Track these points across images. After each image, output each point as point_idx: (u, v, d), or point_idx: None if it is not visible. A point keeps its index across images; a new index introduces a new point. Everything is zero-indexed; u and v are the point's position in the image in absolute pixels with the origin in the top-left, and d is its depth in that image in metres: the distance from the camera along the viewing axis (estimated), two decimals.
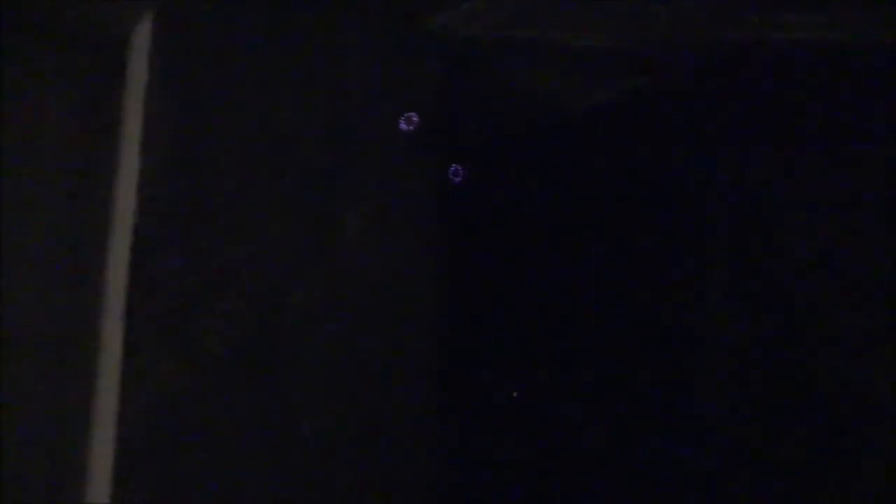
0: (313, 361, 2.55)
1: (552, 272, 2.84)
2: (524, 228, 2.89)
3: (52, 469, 2.37)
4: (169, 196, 2.42)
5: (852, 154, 2.80)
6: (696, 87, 2.91)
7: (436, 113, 2.87)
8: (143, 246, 2.37)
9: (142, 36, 2.49)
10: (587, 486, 2.62)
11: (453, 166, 2.93)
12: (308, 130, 2.67)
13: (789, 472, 2.61)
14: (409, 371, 2.65)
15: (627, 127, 2.96)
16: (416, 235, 2.75)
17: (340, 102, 2.74)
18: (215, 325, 2.43)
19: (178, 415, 2.34)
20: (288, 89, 2.66)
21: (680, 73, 2.89)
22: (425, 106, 2.86)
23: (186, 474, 2.34)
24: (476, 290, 2.73)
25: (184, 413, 2.35)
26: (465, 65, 2.96)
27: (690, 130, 2.90)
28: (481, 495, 2.59)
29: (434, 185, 2.84)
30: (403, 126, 2.82)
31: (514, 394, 2.67)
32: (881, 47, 2.60)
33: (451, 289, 2.70)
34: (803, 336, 2.70)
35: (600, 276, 2.87)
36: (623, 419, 2.68)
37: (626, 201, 2.91)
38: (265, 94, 2.61)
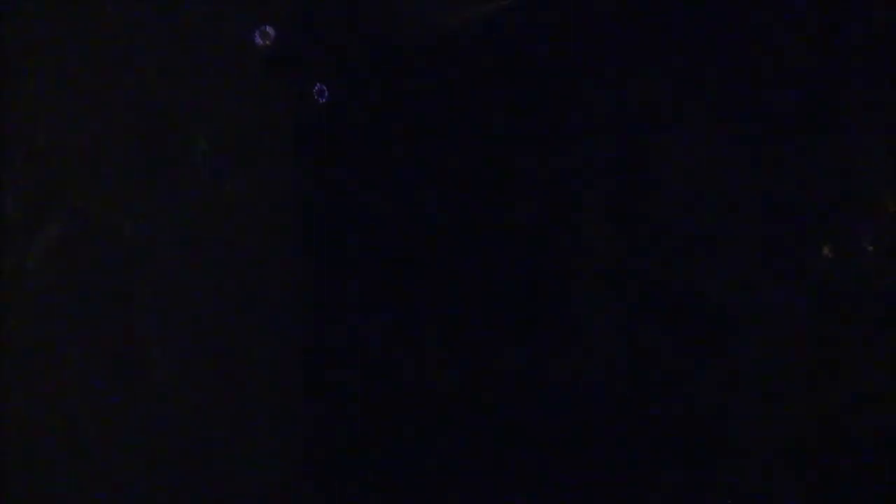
0: (155, 299, 2.34)
1: (418, 198, 2.67)
2: (390, 154, 2.70)
3: None
4: None
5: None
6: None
7: (295, 25, 2.63)
8: None
9: None
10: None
11: (318, 85, 2.68)
12: (143, 45, 2.41)
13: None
14: (266, 312, 2.45)
15: (503, 47, 2.77)
16: (273, 162, 2.52)
17: (181, 14, 2.48)
18: (38, 255, 2.19)
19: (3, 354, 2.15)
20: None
21: None
22: (282, 17, 2.61)
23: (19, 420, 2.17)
24: (338, 221, 2.55)
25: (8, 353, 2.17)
26: None
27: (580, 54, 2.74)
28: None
29: (294, 107, 2.61)
30: (258, 40, 2.57)
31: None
32: None
33: (311, 224, 2.50)
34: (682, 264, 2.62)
35: (470, 201, 2.71)
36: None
37: (496, 127, 2.74)
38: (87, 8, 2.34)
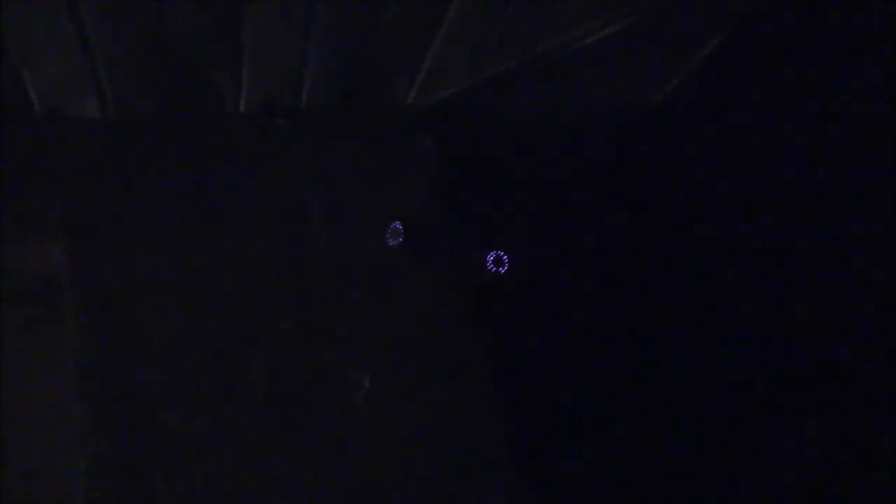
0: None
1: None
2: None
3: None
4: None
5: None
6: None
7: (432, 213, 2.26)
8: None
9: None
10: None
11: (492, 253, 2.25)
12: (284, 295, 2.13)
13: None
14: None
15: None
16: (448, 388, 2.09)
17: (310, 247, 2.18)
18: None
19: None
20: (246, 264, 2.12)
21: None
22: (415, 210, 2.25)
23: None
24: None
25: None
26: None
27: None
28: None
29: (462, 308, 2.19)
30: (391, 241, 2.21)
31: None
32: None
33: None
34: None
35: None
36: None
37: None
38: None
